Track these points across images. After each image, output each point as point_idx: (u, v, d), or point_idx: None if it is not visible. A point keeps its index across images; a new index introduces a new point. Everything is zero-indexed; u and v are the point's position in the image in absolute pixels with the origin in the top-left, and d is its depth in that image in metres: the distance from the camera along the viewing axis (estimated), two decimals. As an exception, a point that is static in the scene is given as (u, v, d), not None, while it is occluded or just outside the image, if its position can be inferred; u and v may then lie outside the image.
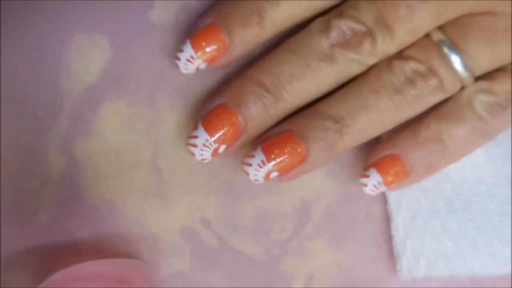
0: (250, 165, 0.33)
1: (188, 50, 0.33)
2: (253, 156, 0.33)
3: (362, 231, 0.36)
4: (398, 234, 0.36)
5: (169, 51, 0.36)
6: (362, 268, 0.36)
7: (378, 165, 0.34)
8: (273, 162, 0.33)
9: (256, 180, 0.34)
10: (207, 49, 0.33)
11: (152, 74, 0.36)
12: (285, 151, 0.33)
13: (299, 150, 0.33)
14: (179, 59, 0.33)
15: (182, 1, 0.36)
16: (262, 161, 0.33)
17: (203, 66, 0.33)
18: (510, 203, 0.36)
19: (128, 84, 0.35)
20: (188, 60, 0.33)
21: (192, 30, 0.34)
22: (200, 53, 0.33)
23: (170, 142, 0.36)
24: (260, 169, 0.33)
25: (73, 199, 0.35)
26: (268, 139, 0.33)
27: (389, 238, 0.36)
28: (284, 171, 0.33)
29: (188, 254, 0.36)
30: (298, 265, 0.36)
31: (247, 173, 0.34)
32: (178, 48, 0.34)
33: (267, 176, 0.33)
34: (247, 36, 0.33)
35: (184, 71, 0.34)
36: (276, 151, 0.33)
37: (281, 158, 0.33)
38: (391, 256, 0.36)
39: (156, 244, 0.36)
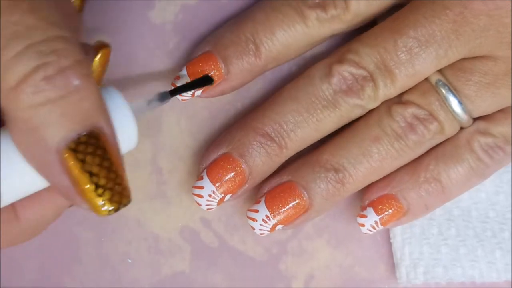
0: (255, 220, 0.34)
1: (184, 77, 0.33)
2: (257, 211, 0.34)
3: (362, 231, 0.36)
4: (396, 241, 0.36)
5: (169, 51, 0.36)
6: (362, 268, 0.36)
7: (375, 205, 0.34)
8: (277, 217, 0.33)
9: (262, 234, 0.34)
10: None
11: (152, 74, 0.36)
12: (289, 204, 0.33)
13: (302, 203, 0.33)
14: (175, 86, 0.33)
15: (182, 1, 0.36)
16: (267, 216, 0.33)
17: (198, 93, 0.34)
18: (511, 211, 0.36)
19: (128, 84, 0.35)
20: None
21: (189, 58, 0.34)
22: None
23: (170, 142, 0.36)
24: (265, 224, 0.34)
25: (73, 199, 0.35)
26: (270, 192, 0.34)
27: (389, 238, 0.36)
28: (289, 223, 0.34)
29: (188, 254, 0.36)
30: (298, 265, 0.36)
31: (253, 228, 0.34)
32: (174, 72, 0.34)
33: (273, 229, 0.34)
34: (244, 65, 0.33)
35: (179, 98, 0.34)
36: (280, 206, 0.33)
37: (285, 212, 0.33)
38: (391, 257, 0.36)
39: (156, 244, 0.36)
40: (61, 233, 0.35)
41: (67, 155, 0.24)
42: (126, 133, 0.27)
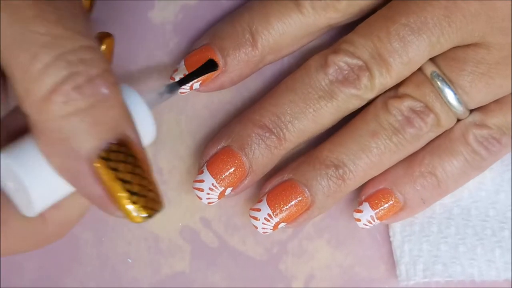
0: (257, 219, 0.34)
1: (182, 70, 0.33)
2: (259, 210, 0.34)
3: (362, 231, 0.36)
4: (396, 239, 0.36)
5: (169, 51, 0.36)
6: (362, 268, 0.36)
7: (370, 200, 0.34)
8: (279, 215, 0.33)
9: (265, 232, 0.34)
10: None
11: (152, 74, 0.36)
12: (291, 202, 0.33)
13: (304, 200, 0.33)
14: (173, 79, 0.33)
15: (182, 1, 0.36)
16: (269, 215, 0.33)
17: (197, 85, 0.33)
18: (511, 210, 0.36)
19: (128, 84, 0.35)
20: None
21: (187, 52, 0.34)
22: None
23: (170, 142, 0.36)
24: (267, 223, 0.34)
25: (73, 199, 0.35)
26: (272, 191, 0.34)
27: (389, 238, 0.36)
28: (291, 221, 0.34)
29: (188, 254, 0.36)
30: (298, 265, 0.36)
31: (256, 227, 0.34)
32: (172, 68, 0.34)
33: (275, 227, 0.34)
34: (241, 56, 0.33)
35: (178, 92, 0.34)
36: (282, 204, 0.33)
37: (287, 210, 0.33)
38: (391, 256, 0.36)
39: (156, 244, 0.36)
40: (61, 233, 0.35)
41: (99, 164, 0.24)
42: (146, 129, 0.27)
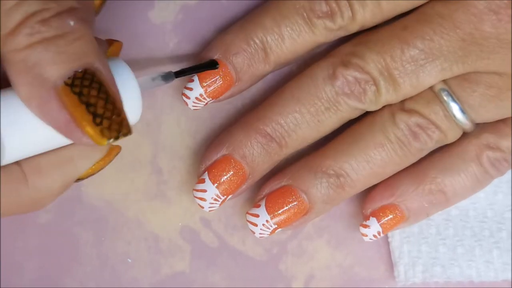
0: (256, 225, 0.34)
1: (196, 87, 0.33)
2: (257, 216, 0.34)
3: (362, 231, 0.36)
4: (395, 240, 0.36)
5: (169, 51, 0.35)
6: (361, 268, 0.36)
7: (378, 215, 0.35)
8: (278, 222, 0.34)
9: (262, 236, 0.34)
10: (216, 85, 0.33)
11: (152, 74, 0.35)
12: (289, 209, 0.33)
13: (302, 206, 0.34)
14: (188, 97, 0.34)
15: (182, 1, 0.36)
16: (267, 221, 0.34)
17: (211, 102, 0.34)
18: (509, 210, 0.36)
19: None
20: (197, 98, 0.33)
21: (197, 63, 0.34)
22: (209, 89, 0.33)
23: (170, 142, 0.36)
24: (265, 228, 0.34)
25: (73, 199, 0.35)
26: (270, 196, 0.34)
27: (388, 238, 0.37)
28: (288, 225, 0.34)
29: (188, 254, 0.36)
30: (298, 265, 0.36)
31: (253, 232, 0.34)
32: (185, 85, 0.34)
33: (272, 232, 0.34)
34: (253, 72, 0.33)
35: (192, 108, 0.34)
36: (280, 210, 0.34)
37: (285, 216, 0.33)
38: (391, 257, 0.36)
39: (156, 244, 0.36)
40: (61, 233, 0.35)
41: (63, 89, 0.25)
42: (131, 104, 0.27)
